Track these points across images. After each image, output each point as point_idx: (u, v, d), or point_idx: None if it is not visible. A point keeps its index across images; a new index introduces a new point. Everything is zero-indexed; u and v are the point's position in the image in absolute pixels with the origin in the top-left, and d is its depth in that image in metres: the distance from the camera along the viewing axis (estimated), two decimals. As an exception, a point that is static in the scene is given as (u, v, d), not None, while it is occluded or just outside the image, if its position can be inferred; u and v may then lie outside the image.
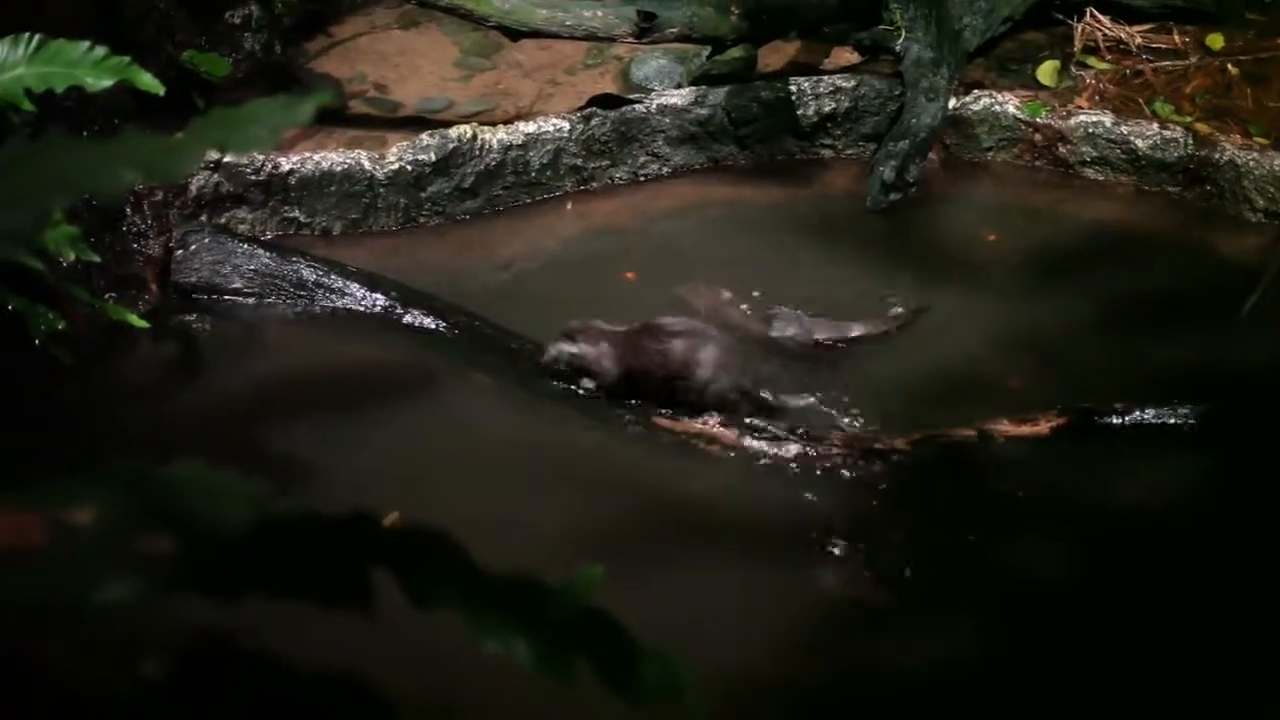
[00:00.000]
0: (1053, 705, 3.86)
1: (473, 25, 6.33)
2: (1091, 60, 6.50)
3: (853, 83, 6.21)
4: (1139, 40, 6.59)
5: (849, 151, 6.25)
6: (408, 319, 5.19)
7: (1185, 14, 6.71)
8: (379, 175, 5.66)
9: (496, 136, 5.83)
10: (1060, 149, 6.08)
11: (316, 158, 5.64)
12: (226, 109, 1.79)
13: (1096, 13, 6.65)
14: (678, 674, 1.53)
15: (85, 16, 5.19)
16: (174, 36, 6.09)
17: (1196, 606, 4.14)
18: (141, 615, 1.55)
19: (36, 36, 4.10)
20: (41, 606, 1.49)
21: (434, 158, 5.71)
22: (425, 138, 5.77)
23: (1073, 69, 6.45)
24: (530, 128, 5.91)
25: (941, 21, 6.16)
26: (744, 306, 5.21)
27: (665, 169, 6.14)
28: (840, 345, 5.11)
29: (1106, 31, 6.60)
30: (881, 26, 6.27)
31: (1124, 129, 5.99)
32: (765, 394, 4.79)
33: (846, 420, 4.75)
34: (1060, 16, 6.67)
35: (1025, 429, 4.70)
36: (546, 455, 4.68)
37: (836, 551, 4.31)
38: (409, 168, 5.69)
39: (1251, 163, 5.75)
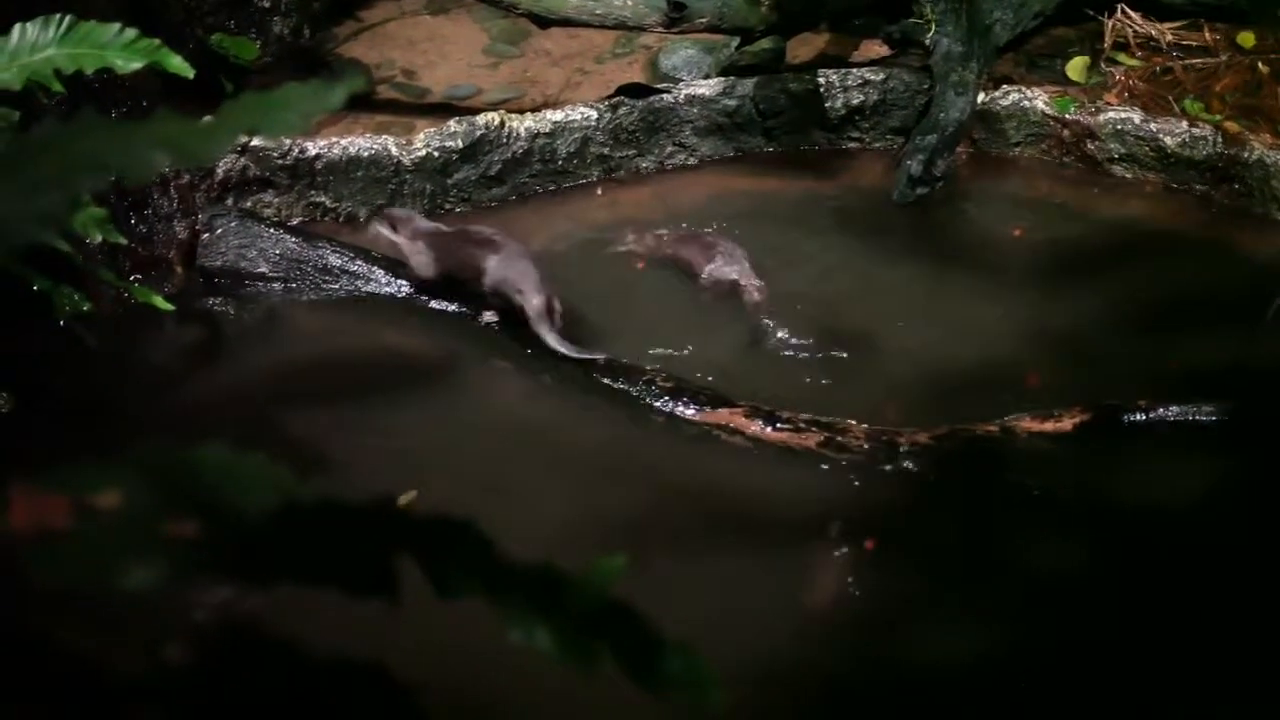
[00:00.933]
0: (1073, 699, 3.85)
1: (502, 12, 6.34)
2: (1121, 57, 6.48)
3: (881, 76, 6.20)
4: (1169, 37, 6.56)
5: (876, 145, 6.24)
6: (432, 304, 5.19)
7: (1217, 11, 6.68)
8: (406, 161, 5.66)
9: (524, 124, 5.83)
10: (1088, 145, 6.06)
11: (343, 143, 5.65)
12: (258, 93, 1.80)
13: (1127, 9, 6.62)
14: (699, 666, 1.53)
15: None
16: (203, 20, 6.10)
17: (1218, 605, 4.13)
18: (166, 600, 1.55)
19: (67, 18, 4.11)
20: (66, 590, 1.50)
21: (461, 145, 5.71)
22: (453, 124, 5.77)
23: (1103, 65, 6.43)
24: (558, 116, 5.91)
25: (972, 15, 6.14)
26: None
27: (692, 159, 6.13)
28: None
29: (1137, 28, 6.58)
30: (911, 19, 6.26)
31: (1153, 126, 5.96)
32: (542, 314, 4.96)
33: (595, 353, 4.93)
34: (1091, 12, 6.65)
35: (1049, 425, 4.68)
36: (569, 443, 4.69)
37: (856, 543, 4.31)
38: (436, 154, 5.69)
39: (1281, 162, 5.73)
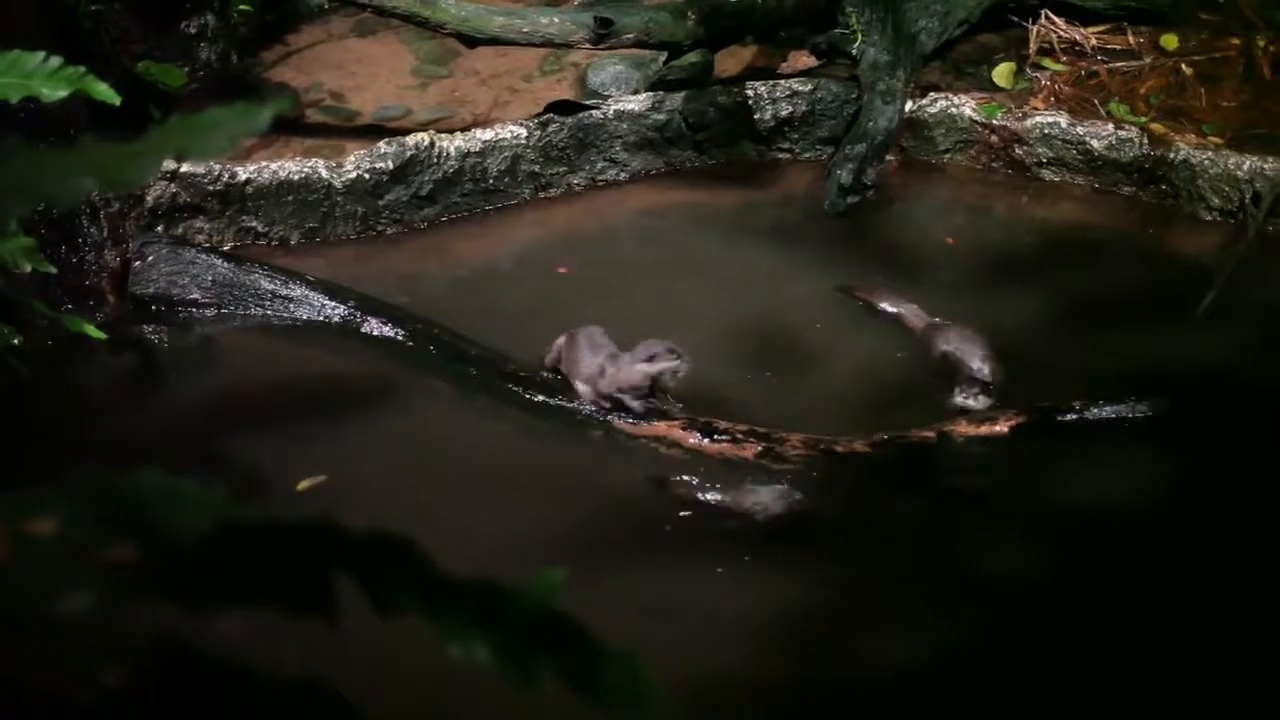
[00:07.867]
0: (1013, 700, 3.87)
1: (429, 33, 6.34)
2: (1047, 62, 6.53)
3: (809, 86, 6.23)
4: (1094, 41, 6.62)
5: (806, 155, 6.27)
6: (367, 328, 5.17)
7: (1139, 15, 6.75)
8: (337, 184, 5.64)
9: (454, 144, 5.82)
10: (1017, 150, 6.10)
11: (274, 167, 5.62)
12: (184, 117, 1.79)
13: (1051, 14, 6.68)
14: (640, 675, 1.53)
15: (39, 28, 5.16)
16: (129, 48, 6.06)
17: (1153, 601, 4.16)
18: (104, 624, 1.54)
19: (-10, 48, 4.07)
20: (4, 617, 1.49)
21: (392, 166, 5.70)
22: (383, 146, 5.75)
23: (1028, 71, 6.48)
24: (488, 135, 5.90)
25: (897, 25, 6.18)
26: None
27: (623, 175, 6.14)
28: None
29: (1061, 33, 6.64)
30: (838, 30, 6.29)
31: (1080, 130, 6.02)
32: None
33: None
34: (1015, 19, 6.70)
35: (984, 428, 4.71)
36: (507, 461, 4.67)
37: (797, 552, 4.32)
38: (367, 176, 5.67)
39: (1206, 162, 5.78)
